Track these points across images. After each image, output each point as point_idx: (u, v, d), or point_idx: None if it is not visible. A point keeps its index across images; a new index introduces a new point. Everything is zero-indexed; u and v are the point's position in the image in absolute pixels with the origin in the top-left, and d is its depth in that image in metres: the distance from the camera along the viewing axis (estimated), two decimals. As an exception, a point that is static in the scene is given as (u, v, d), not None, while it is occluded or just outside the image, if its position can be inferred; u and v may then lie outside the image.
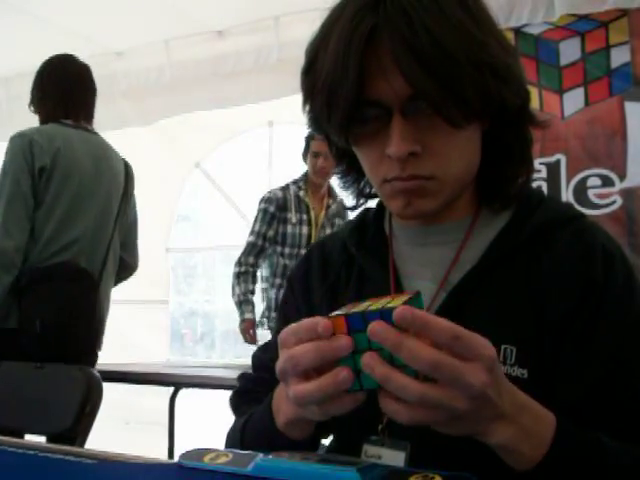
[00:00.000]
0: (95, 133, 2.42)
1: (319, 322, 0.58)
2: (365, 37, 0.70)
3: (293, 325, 0.61)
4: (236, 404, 0.92)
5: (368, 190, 0.89)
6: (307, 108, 0.80)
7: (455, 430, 0.59)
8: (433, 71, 0.69)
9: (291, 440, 0.72)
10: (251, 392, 0.91)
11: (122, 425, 4.20)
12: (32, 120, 2.37)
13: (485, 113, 0.75)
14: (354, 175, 0.87)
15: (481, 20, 0.75)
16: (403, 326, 0.55)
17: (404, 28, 0.69)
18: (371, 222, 0.91)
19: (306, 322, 0.60)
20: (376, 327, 0.55)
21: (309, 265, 0.94)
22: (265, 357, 0.91)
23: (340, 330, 0.58)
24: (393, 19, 0.70)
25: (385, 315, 0.56)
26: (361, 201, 0.91)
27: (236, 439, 0.83)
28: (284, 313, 0.94)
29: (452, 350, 0.55)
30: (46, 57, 2.41)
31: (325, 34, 0.75)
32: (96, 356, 2.31)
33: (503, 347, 0.73)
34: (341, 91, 0.72)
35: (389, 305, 0.57)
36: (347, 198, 0.92)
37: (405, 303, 0.56)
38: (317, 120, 0.79)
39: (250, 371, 0.95)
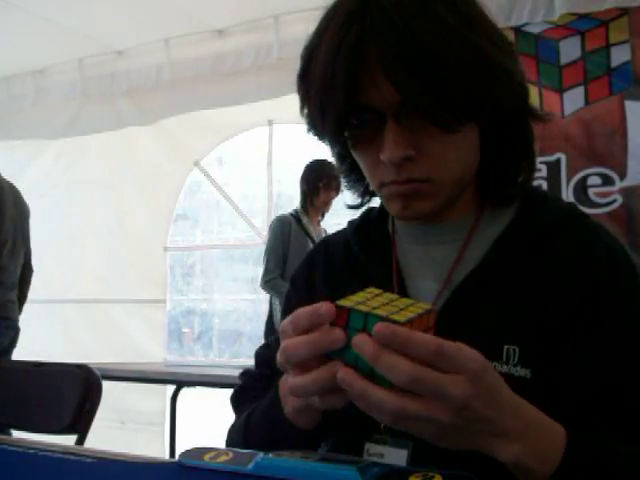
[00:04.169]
0: None
1: (323, 306, 0.58)
2: (352, 46, 0.70)
3: (294, 312, 0.61)
4: (237, 402, 0.91)
5: (372, 188, 0.89)
6: (305, 112, 0.80)
7: (452, 444, 0.59)
8: (421, 78, 0.68)
9: (297, 430, 0.72)
10: (253, 389, 0.90)
11: (118, 425, 4.19)
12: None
13: (479, 114, 0.75)
14: (357, 174, 0.87)
15: (472, 21, 0.73)
16: (382, 342, 0.55)
17: (391, 36, 0.69)
18: (374, 221, 0.91)
19: (308, 308, 0.60)
20: (358, 339, 0.56)
21: (313, 264, 0.93)
22: (267, 354, 0.91)
23: (340, 321, 0.58)
24: (379, 27, 0.69)
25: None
26: (366, 199, 0.91)
27: (240, 434, 0.82)
28: (288, 312, 0.94)
29: (435, 366, 0.55)
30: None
31: (316, 42, 0.75)
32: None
33: (506, 347, 0.72)
34: (331, 99, 0.72)
35: (393, 316, 0.57)
36: (352, 196, 0.92)
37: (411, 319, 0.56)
38: (314, 124, 0.79)
39: (252, 368, 0.95)
